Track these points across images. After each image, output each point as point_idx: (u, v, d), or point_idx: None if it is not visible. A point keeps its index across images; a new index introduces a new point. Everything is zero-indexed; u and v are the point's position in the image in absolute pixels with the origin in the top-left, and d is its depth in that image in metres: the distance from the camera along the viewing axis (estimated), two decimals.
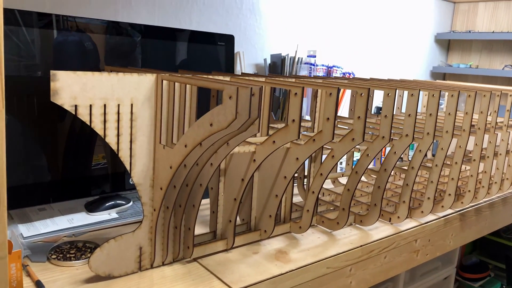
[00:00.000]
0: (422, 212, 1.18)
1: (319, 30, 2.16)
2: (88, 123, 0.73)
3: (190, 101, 0.81)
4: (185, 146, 0.73)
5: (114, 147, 0.76)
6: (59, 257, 0.86)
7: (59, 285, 0.78)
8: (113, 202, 1.08)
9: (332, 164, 0.94)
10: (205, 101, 0.97)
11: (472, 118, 1.15)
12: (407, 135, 1.00)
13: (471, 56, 2.20)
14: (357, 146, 1.05)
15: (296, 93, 0.77)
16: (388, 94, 0.93)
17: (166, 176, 0.78)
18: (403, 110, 1.38)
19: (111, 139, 0.76)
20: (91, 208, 1.06)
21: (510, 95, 1.34)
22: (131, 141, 0.78)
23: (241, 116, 0.63)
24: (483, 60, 2.13)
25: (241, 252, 0.94)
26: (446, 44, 2.31)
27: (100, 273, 0.79)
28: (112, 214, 1.06)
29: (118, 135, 0.76)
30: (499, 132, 1.32)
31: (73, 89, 0.69)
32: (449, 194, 1.21)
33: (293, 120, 0.78)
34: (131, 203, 1.10)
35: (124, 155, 0.78)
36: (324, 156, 1.12)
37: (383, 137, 0.95)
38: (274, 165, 0.93)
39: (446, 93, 1.13)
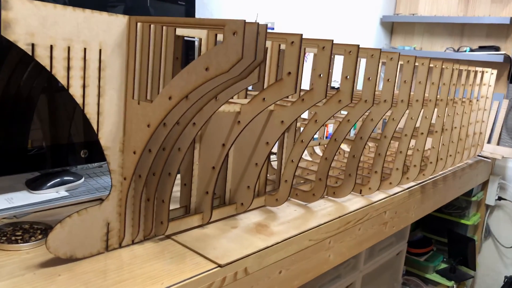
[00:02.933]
0: (390, 183, 1.17)
1: (276, 4, 2.10)
2: (48, 68, 0.59)
3: (165, 50, 0.70)
4: (169, 98, 0.62)
5: (79, 100, 0.63)
6: (2, 240, 0.71)
7: (8, 271, 0.63)
8: (61, 179, 0.92)
9: (315, 130, 0.88)
10: None
11: (438, 88, 1.16)
12: (385, 100, 0.97)
13: (414, 39, 2.28)
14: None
15: (292, 42, 0.69)
16: (372, 55, 0.88)
17: (142, 138, 0.66)
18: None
19: (75, 91, 0.62)
20: (34, 185, 0.90)
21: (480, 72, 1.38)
22: (99, 95, 0.65)
23: (246, 56, 0.54)
24: (425, 43, 2.22)
25: (218, 227, 0.85)
26: (390, 27, 2.37)
27: (60, 255, 0.65)
28: (61, 192, 0.91)
29: (84, 86, 0.63)
30: (458, 105, 1.35)
31: (30, 23, 0.56)
32: (414, 166, 1.21)
33: (289, 73, 0.70)
34: (82, 179, 0.95)
35: (90, 112, 0.65)
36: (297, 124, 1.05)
37: (366, 100, 0.90)
38: (254, 130, 0.85)
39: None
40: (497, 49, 1.94)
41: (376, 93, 0.98)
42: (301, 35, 0.68)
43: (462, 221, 1.92)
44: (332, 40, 0.74)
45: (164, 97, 0.62)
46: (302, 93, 0.81)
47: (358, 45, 0.80)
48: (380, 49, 0.88)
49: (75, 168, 1.02)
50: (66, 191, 0.92)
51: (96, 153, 0.98)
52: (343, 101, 0.82)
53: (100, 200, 0.92)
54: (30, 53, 0.56)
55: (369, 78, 0.89)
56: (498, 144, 1.99)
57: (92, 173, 1.04)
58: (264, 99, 0.73)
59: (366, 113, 0.99)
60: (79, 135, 0.94)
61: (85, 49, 0.62)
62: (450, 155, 1.41)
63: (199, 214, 0.83)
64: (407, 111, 1.09)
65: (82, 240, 0.67)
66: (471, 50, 1.94)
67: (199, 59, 0.57)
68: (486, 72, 1.54)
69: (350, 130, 0.94)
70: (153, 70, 0.69)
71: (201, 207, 0.84)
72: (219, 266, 0.70)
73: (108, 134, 0.67)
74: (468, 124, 1.47)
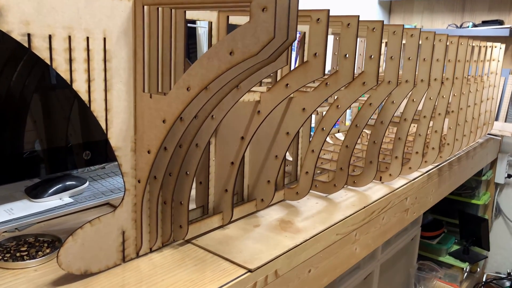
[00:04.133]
0: (410, 168, 1.11)
1: None
2: (48, 62, 0.51)
3: (175, 36, 0.63)
4: (188, 89, 0.55)
5: (84, 96, 0.56)
6: (5, 258, 0.63)
7: None
8: (63, 184, 0.85)
9: (337, 116, 0.81)
10: None
11: (455, 66, 1.10)
12: (407, 80, 0.91)
13: (413, 18, 2.22)
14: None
15: (318, 19, 0.62)
16: (394, 32, 0.82)
17: (156, 135, 0.59)
18: None
19: (79, 86, 0.55)
20: (35, 193, 0.82)
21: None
22: (105, 90, 0.58)
23: (278, 36, 0.47)
24: (425, 21, 2.15)
25: (239, 227, 0.79)
26: (388, 6, 2.31)
27: (73, 271, 0.58)
28: (65, 198, 0.84)
29: (89, 81, 0.56)
30: (471, 83, 1.30)
31: (24, 9, 0.48)
32: (433, 148, 1.15)
33: (315, 54, 0.63)
34: (86, 183, 0.88)
35: (97, 109, 0.57)
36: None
37: (389, 81, 0.84)
38: (273, 120, 0.78)
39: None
40: (501, 22, 1.88)
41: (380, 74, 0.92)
42: (328, 10, 0.61)
43: (473, 201, 1.88)
44: (358, 16, 0.67)
45: (181, 88, 0.55)
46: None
47: (382, 21, 0.73)
48: (403, 25, 0.81)
49: (77, 172, 0.95)
50: (70, 197, 0.84)
51: (99, 154, 0.91)
52: (368, 83, 0.76)
53: (108, 204, 0.85)
54: (26, 45, 0.49)
55: (391, 57, 0.83)
56: (505, 121, 1.95)
57: (95, 175, 0.96)
58: (287, 85, 0.66)
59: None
60: (80, 135, 0.87)
61: (87, 38, 0.55)
62: (465, 135, 1.36)
63: (218, 214, 0.76)
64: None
65: (97, 253, 0.60)
66: (474, 26, 1.89)
67: (222, 42, 0.50)
68: (495, 47, 1.49)
69: (372, 115, 0.88)
70: (163, 60, 0.62)
71: (220, 207, 0.78)
72: (249, 271, 0.64)
73: (118, 133, 0.60)
74: (480, 102, 1.42)
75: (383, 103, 0.94)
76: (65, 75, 0.53)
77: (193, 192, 0.79)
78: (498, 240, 2.06)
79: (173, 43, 0.62)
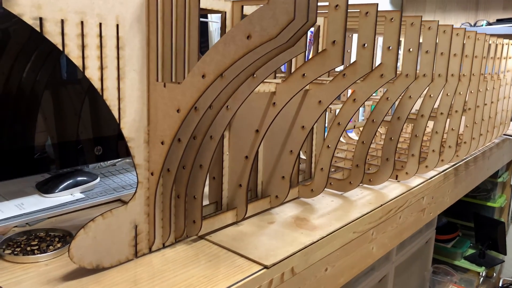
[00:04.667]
0: (427, 166, 1.08)
1: None
2: (60, 47, 0.50)
3: (189, 24, 0.61)
4: (203, 76, 0.53)
5: (96, 84, 0.54)
6: (16, 252, 0.62)
7: (27, 287, 0.55)
8: (74, 180, 0.83)
9: (354, 110, 0.79)
10: None
11: (472, 62, 1.07)
12: (424, 75, 0.89)
13: (425, 16, 2.19)
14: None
15: (337, 6, 0.60)
16: (412, 23, 0.79)
17: (170, 125, 0.58)
18: None
19: (92, 73, 0.53)
20: (46, 188, 0.81)
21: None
22: (118, 78, 0.56)
23: (298, 17, 0.45)
24: (438, 20, 2.11)
25: (253, 223, 0.77)
26: (400, 4, 2.28)
27: (85, 265, 0.56)
28: (76, 194, 0.82)
29: (101, 68, 0.54)
30: (488, 81, 1.27)
31: None
32: (450, 146, 1.13)
33: (334, 42, 0.61)
34: (98, 179, 0.87)
35: (110, 97, 0.56)
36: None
37: (407, 75, 0.82)
38: (287, 113, 0.76)
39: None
40: None
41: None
42: None
43: (489, 204, 1.84)
44: (377, 4, 0.65)
45: (196, 75, 0.53)
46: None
47: (401, 11, 0.71)
48: (421, 16, 0.79)
49: (87, 168, 0.93)
50: (81, 192, 0.83)
51: (110, 150, 0.90)
52: (386, 75, 0.74)
53: (120, 201, 0.83)
54: (38, 29, 0.48)
55: (409, 49, 0.81)
56: None
57: (106, 172, 0.95)
58: (304, 75, 0.64)
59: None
60: (91, 131, 0.86)
61: (100, 24, 0.53)
62: (481, 134, 1.33)
63: (232, 210, 0.74)
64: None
65: (109, 247, 0.59)
66: (488, 24, 1.86)
67: (239, 26, 0.48)
68: (511, 44, 1.46)
69: (389, 110, 0.86)
70: (177, 48, 0.60)
71: (234, 202, 0.76)
72: (265, 267, 0.62)
73: (131, 123, 0.58)
74: (497, 100, 1.39)
75: (400, 98, 0.92)
76: (78, 62, 0.52)
77: (206, 188, 0.77)
78: None
79: (187, 31, 0.60)
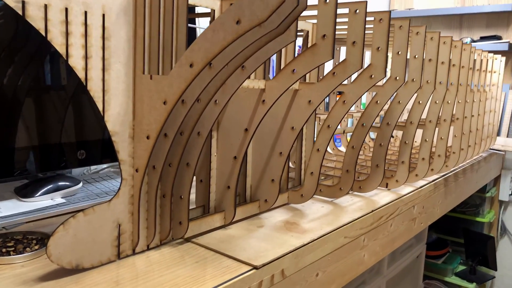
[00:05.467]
0: (416, 175, 1.08)
1: None
2: (43, 33, 0.48)
3: (177, 17, 0.60)
4: (191, 66, 0.52)
5: (80, 74, 0.52)
6: None
7: None
8: (55, 184, 0.80)
9: (344, 112, 0.78)
10: None
11: (459, 72, 1.08)
12: (413, 79, 0.89)
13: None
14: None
15: (326, 0, 0.60)
16: (401, 26, 0.80)
17: (156, 118, 0.56)
18: None
19: (76, 62, 0.52)
20: (25, 193, 0.77)
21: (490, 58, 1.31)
22: (103, 69, 0.55)
23: (288, 1, 0.44)
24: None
25: (242, 227, 0.74)
26: None
27: (64, 264, 0.53)
28: (57, 199, 0.79)
29: (86, 58, 0.52)
30: (475, 92, 1.28)
31: None
32: (439, 155, 1.12)
33: (324, 36, 0.60)
34: (80, 184, 0.84)
35: (94, 88, 0.54)
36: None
37: (396, 77, 0.82)
38: (276, 113, 0.75)
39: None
40: (499, 38, 1.89)
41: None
42: None
43: (478, 219, 1.84)
44: (366, 2, 0.65)
45: (184, 65, 0.52)
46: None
47: (390, 12, 0.72)
48: (410, 19, 0.80)
49: (70, 173, 0.90)
50: (62, 197, 0.80)
51: (94, 154, 0.87)
52: (376, 76, 0.73)
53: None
54: (19, 12, 0.46)
55: (398, 52, 0.81)
56: (507, 136, 1.93)
57: (90, 178, 0.92)
58: (294, 70, 0.63)
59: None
60: (74, 134, 0.83)
61: (85, 12, 0.52)
62: (469, 146, 1.33)
63: (220, 213, 0.72)
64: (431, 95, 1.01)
65: (90, 246, 0.56)
66: (473, 41, 1.90)
67: (228, 11, 0.48)
68: (496, 59, 1.48)
69: (379, 114, 0.85)
70: (165, 41, 0.59)
71: (222, 205, 0.73)
72: (255, 268, 0.59)
73: (116, 117, 0.57)
74: (484, 113, 1.40)
75: (389, 103, 0.92)
76: (61, 49, 0.50)
77: (193, 194, 0.75)
78: (504, 261, 2.00)
79: (175, 24, 0.59)
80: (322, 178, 1.03)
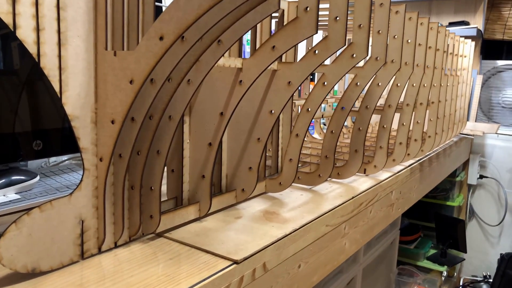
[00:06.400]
0: (394, 160, 1.05)
1: None
2: None
3: None
4: (161, 38, 0.46)
5: (31, 49, 0.45)
6: None
7: None
8: (7, 179, 0.72)
9: (324, 94, 0.74)
10: None
11: (435, 54, 1.06)
12: (393, 60, 0.85)
13: None
14: None
15: None
16: (381, 4, 0.76)
17: (122, 100, 0.50)
18: None
19: (25, 34, 0.45)
20: None
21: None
22: (59, 44, 0.48)
23: None
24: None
25: (218, 219, 0.69)
26: None
27: (18, 268, 0.47)
28: (10, 194, 0.71)
29: (37, 30, 0.45)
30: (448, 76, 1.27)
31: None
32: (415, 140, 1.10)
33: (306, 8, 0.55)
34: (37, 178, 0.76)
35: (49, 66, 0.47)
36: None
37: (377, 58, 0.78)
38: (254, 96, 0.70)
39: None
40: (467, 23, 1.91)
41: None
42: None
43: (448, 203, 1.86)
44: None
45: (153, 38, 0.46)
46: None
47: None
48: None
49: (26, 166, 0.82)
50: (16, 193, 0.72)
51: (53, 145, 0.79)
52: (358, 55, 0.69)
53: None
54: None
55: (379, 31, 0.77)
56: (475, 121, 1.96)
57: (48, 171, 0.84)
58: (274, 47, 0.58)
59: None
60: (29, 122, 0.75)
61: None
62: (443, 130, 1.32)
63: (194, 204, 0.67)
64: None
65: (48, 246, 0.49)
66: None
67: None
68: (466, 43, 1.48)
69: (358, 97, 0.81)
70: (130, 13, 0.53)
71: (196, 196, 0.68)
72: (235, 262, 0.54)
73: (75, 99, 0.50)
74: (456, 97, 1.40)
75: (367, 86, 0.88)
76: (7, 19, 0.43)
77: (164, 182, 0.69)
78: (472, 243, 2.04)
79: None
80: (299, 165, 0.98)
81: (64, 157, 0.97)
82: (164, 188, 0.69)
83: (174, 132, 0.57)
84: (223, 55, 0.52)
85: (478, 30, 1.87)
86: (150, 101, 0.51)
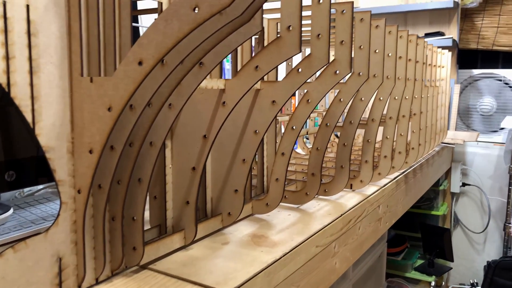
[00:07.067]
0: (379, 174, 1.04)
1: None
2: None
3: (119, 11, 0.52)
4: (140, 63, 0.43)
5: (0, 78, 0.43)
6: None
7: None
8: None
9: (308, 112, 0.73)
10: None
11: (415, 67, 1.06)
12: (375, 75, 0.85)
13: None
14: None
15: None
16: (362, 19, 0.76)
17: (100, 128, 0.47)
18: None
19: None
20: None
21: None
22: (31, 72, 0.45)
23: None
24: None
25: (205, 246, 0.66)
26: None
27: None
28: None
29: (7, 58, 0.43)
30: (428, 87, 1.28)
31: None
32: (399, 152, 1.10)
33: (289, 27, 0.54)
34: (10, 211, 0.72)
35: (20, 96, 0.44)
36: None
37: (360, 73, 0.77)
38: (237, 117, 0.68)
39: None
40: (442, 34, 1.94)
41: None
42: None
43: (433, 213, 1.86)
44: None
45: (131, 63, 0.44)
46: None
47: (352, 2, 0.67)
48: (370, 11, 0.76)
49: None
50: None
51: (27, 175, 0.75)
52: (341, 71, 0.68)
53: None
54: None
55: (360, 46, 0.76)
56: (455, 129, 1.98)
57: (23, 202, 0.80)
58: (257, 67, 0.56)
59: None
60: (0, 151, 0.71)
61: (4, 2, 0.42)
62: (426, 141, 1.33)
63: (179, 232, 0.64)
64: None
65: None
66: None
67: None
68: (443, 53, 1.50)
69: (343, 112, 0.80)
70: (106, 37, 0.50)
71: (181, 223, 0.65)
72: None
73: (50, 129, 0.47)
74: (436, 107, 1.41)
75: (351, 101, 0.88)
76: None
77: (147, 212, 0.66)
78: (458, 251, 2.05)
79: (118, 17, 0.51)
80: (285, 183, 0.97)
81: (40, 186, 0.93)
82: (147, 214, 0.66)
83: (155, 159, 0.54)
84: (205, 78, 0.50)
85: (454, 40, 1.90)
86: (129, 128, 0.48)
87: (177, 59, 0.45)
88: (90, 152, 0.48)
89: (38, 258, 0.47)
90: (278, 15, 0.62)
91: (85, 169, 0.49)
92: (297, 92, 1.46)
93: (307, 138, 1.66)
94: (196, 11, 0.39)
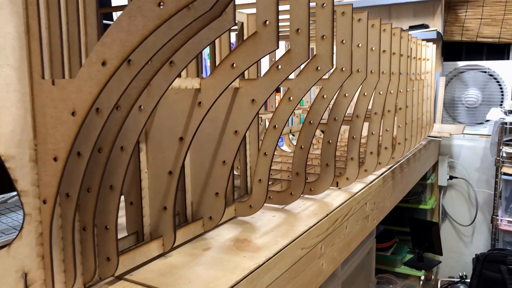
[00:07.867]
0: (366, 170, 1.02)
1: None
2: None
3: (84, 6, 0.48)
4: (103, 64, 0.40)
5: None
6: None
7: None
8: None
9: (290, 110, 0.70)
10: None
11: (400, 60, 1.04)
12: (358, 70, 0.83)
13: None
14: None
15: None
16: (343, 12, 0.73)
17: (65, 134, 0.44)
18: None
19: None
20: None
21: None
22: None
23: None
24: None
25: (184, 252, 0.63)
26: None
27: None
28: None
29: None
30: (414, 81, 1.26)
31: None
32: (386, 148, 1.08)
33: (265, 22, 0.51)
34: None
35: None
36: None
37: (343, 69, 0.75)
38: (216, 117, 0.65)
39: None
40: (426, 27, 1.93)
41: None
42: None
43: (421, 207, 1.86)
44: None
45: (94, 63, 0.41)
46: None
47: None
48: (352, 4, 0.73)
49: None
50: None
51: None
52: (323, 67, 0.66)
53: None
54: None
55: (343, 41, 0.74)
56: (441, 123, 1.98)
57: None
58: (233, 65, 0.53)
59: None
60: None
61: None
62: (412, 135, 1.31)
63: (157, 239, 0.61)
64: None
65: None
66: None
67: None
68: (428, 46, 1.49)
69: (326, 109, 0.78)
70: (69, 36, 0.47)
71: (158, 230, 0.62)
72: None
73: (9, 136, 0.44)
74: (422, 101, 1.39)
75: (334, 97, 0.85)
76: None
77: (123, 218, 0.63)
78: (447, 244, 2.05)
79: (82, 14, 0.47)
80: (270, 183, 0.94)
81: (13, 193, 0.89)
82: (123, 221, 0.63)
83: (127, 164, 0.51)
84: (177, 77, 0.47)
85: (438, 33, 1.89)
86: (97, 133, 0.45)
87: (145, 58, 0.42)
88: (55, 159, 0.45)
89: (1, 274, 0.44)
90: None
91: (50, 177, 0.46)
92: (282, 89, 1.43)
93: (294, 135, 1.63)
94: (161, 6, 0.36)
